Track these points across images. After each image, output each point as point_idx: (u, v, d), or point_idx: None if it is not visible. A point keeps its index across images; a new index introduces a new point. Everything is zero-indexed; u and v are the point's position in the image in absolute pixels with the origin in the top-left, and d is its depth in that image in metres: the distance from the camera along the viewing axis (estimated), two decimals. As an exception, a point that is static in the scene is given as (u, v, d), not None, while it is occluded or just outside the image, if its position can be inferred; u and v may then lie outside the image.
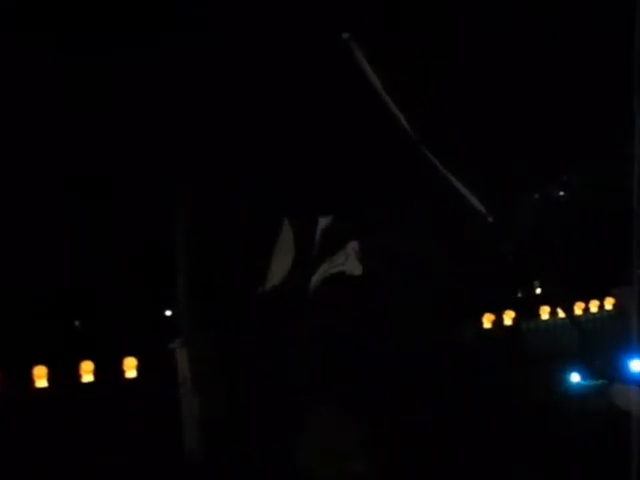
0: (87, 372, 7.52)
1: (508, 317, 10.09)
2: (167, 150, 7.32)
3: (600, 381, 7.71)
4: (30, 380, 7.30)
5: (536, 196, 8.17)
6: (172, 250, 7.80)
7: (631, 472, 4.08)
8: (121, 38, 6.38)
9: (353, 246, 4.23)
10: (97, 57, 6.36)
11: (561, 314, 10.27)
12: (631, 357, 8.16)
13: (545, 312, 10.43)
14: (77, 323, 9.67)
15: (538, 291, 11.78)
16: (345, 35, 4.14)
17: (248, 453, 6.94)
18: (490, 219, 4.20)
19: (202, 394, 7.41)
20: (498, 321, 9.98)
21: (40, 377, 7.30)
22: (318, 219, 4.27)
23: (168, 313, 9.89)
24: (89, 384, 7.50)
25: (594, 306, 10.80)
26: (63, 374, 7.44)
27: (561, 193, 9.20)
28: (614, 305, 10.72)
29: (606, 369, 6.75)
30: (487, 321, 9.86)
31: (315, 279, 4.28)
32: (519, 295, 11.86)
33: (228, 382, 7.58)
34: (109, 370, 7.61)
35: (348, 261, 4.21)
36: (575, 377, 8.47)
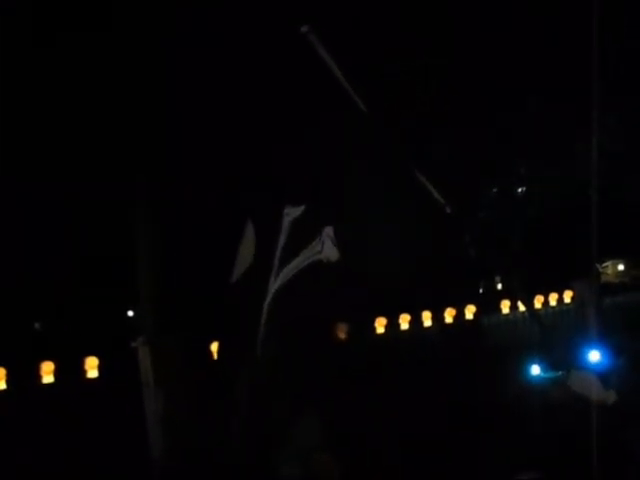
0: (47, 373, 7.43)
1: (469, 311, 10.20)
2: (127, 150, 7.27)
3: (560, 372, 7.82)
4: (-11, 382, 7.20)
5: (494, 190, 8.27)
6: (134, 250, 7.75)
7: (592, 454, 4.17)
8: (75, 31, 6.32)
9: (328, 232, 4.24)
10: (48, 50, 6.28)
11: (521, 308, 10.39)
12: (589, 348, 8.29)
13: (505, 306, 10.55)
14: (37, 325, 9.57)
15: (499, 286, 11.93)
16: (304, 28, 4.14)
17: (212, 450, 6.92)
18: (449, 210, 4.23)
19: (165, 392, 7.36)
20: (459, 315, 10.09)
21: (-1, 379, 7.21)
22: (284, 211, 4.27)
23: (130, 313, 9.82)
24: (50, 385, 7.42)
25: (553, 299, 10.96)
26: (23, 375, 7.35)
27: (520, 189, 9.31)
28: (573, 298, 10.88)
29: (565, 360, 6.85)
30: (448, 315, 9.96)
31: (291, 269, 4.27)
32: (480, 290, 12.01)
33: (191, 380, 7.55)
34: (70, 370, 7.54)
35: (324, 248, 4.22)
36: (535, 369, 8.58)
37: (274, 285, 4.25)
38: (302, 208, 4.22)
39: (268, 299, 4.24)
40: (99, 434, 7.15)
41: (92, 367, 7.64)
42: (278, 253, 4.25)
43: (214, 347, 8.11)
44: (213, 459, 6.66)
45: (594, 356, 7.88)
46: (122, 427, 7.24)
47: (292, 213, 4.25)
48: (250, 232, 4.54)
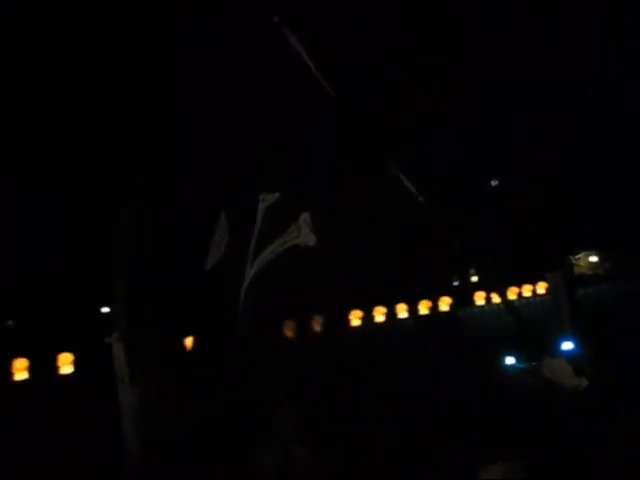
0: (21, 370, 7.38)
1: (444, 303, 10.26)
2: (101, 148, 7.24)
3: (534, 362, 7.90)
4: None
5: (468, 182, 8.31)
6: (107, 246, 7.71)
7: (564, 439, 4.22)
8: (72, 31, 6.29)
9: (305, 218, 4.24)
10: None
11: (496, 300, 10.47)
12: (563, 338, 8.39)
13: (480, 298, 10.63)
14: (9, 322, 9.48)
15: (474, 279, 11.99)
16: (275, 18, 4.14)
17: (187, 448, 6.91)
18: (421, 199, 4.25)
19: (140, 387, 7.33)
20: (434, 307, 10.15)
21: (-28, 377, 7.15)
22: (258, 198, 4.27)
23: (105, 310, 9.76)
24: (23, 382, 7.37)
25: (527, 291, 11.05)
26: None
27: (493, 182, 9.37)
28: (547, 289, 10.98)
29: (539, 350, 6.90)
30: (423, 307, 10.01)
31: (267, 254, 4.26)
32: (455, 283, 12.07)
33: (167, 376, 7.53)
34: (44, 367, 7.49)
35: (301, 233, 4.22)
36: (510, 360, 8.68)
37: (250, 272, 4.25)
38: (277, 194, 4.21)
39: (245, 286, 4.23)
40: (74, 430, 7.12)
41: (66, 363, 7.60)
42: (254, 239, 4.25)
43: (189, 341, 8.11)
44: (189, 452, 6.65)
45: (567, 346, 7.99)
46: (97, 423, 7.21)
47: (267, 199, 4.25)
48: (224, 221, 4.54)
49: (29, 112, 7.00)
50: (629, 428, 4.43)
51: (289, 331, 7.67)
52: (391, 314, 9.79)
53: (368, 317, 9.56)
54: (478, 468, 4.04)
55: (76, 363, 7.62)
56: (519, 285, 10.96)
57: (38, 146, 7.38)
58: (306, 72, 4.11)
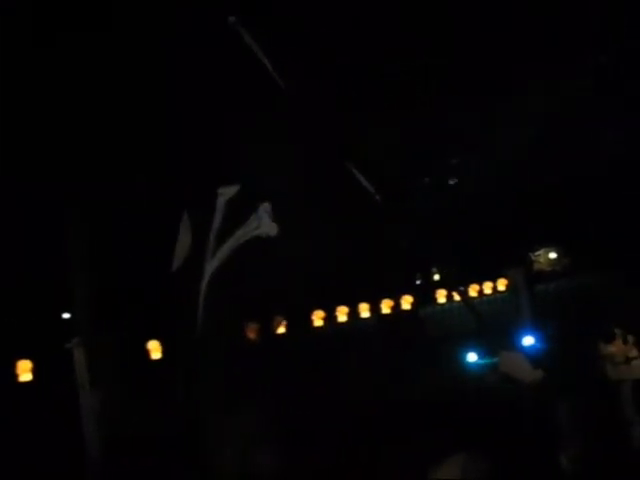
0: (-21, 378, 7.27)
1: (406, 302, 10.32)
2: (57, 147, 7.14)
3: (495, 358, 7.98)
4: None
5: (426, 180, 8.38)
6: (66, 250, 7.63)
7: (524, 435, 4.26)
8: None
9: (265, 208, 4.20)
10: None
11: (457, 297, 10.55)
12: (524, 333, 8.50)
13: (442, 296, 10.71)
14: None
15: (436, 277, 12.07)
16: (231, 19, 4.13)
17: (155, 451, 6.87)
18: (378, 198, 4.26)
19: (102, 394, 7.28)
20: (396, 306, 10.20)
21: None
22: (217, 192, 4.23)
23: (66, 316, 9.65)
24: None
25: (488, 288, 11.16)
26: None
27: (451, 182, 9.45)
28: (507, 286, 11.10)
29: (501, 346, 6.96)
30: (385, 306, 10.06)
31: (228, 247, 4.21)
32: (417, 282, 12.13)
33: (129, 381, 7.49)
34: (1, 374, 7.38)
35: (262, 224, 4.18)
36: (472, 356, 8.77)
37: (210, 268, 4.20)
38: (237, 187, 4.18)
39: (205, 280, 4.18)
40: (35, 437, 7.03)
41: (25, 370, 7.50)
42: (213, 235, 4.21)
43: (151, 345, 8.05)
44: (152, 456, 6.61)
45: (528, 341, 8.09)
46: (58, 429, 7.13)
47: (227, 193, 4.21)
48: (186, 220, 4.50)
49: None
50: (585, 418, 4.51)
51: (252, 332, 7.64)
52: (353, 314, 9.82)
53: (331, 317, 9.58)
54: (439, 462, 4.06)
55: (35, 370, 7.51)
56: (480, 282, 11.06)
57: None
58: (263, 70, 4.11)
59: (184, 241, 4.41)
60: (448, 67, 7.23)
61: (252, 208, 4.14)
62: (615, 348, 6.25)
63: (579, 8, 7.47)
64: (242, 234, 4.12)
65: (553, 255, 13.88)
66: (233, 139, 4.34)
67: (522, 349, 6.26)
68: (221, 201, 4.17)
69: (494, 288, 11.22)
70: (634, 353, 6.24)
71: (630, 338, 6.24)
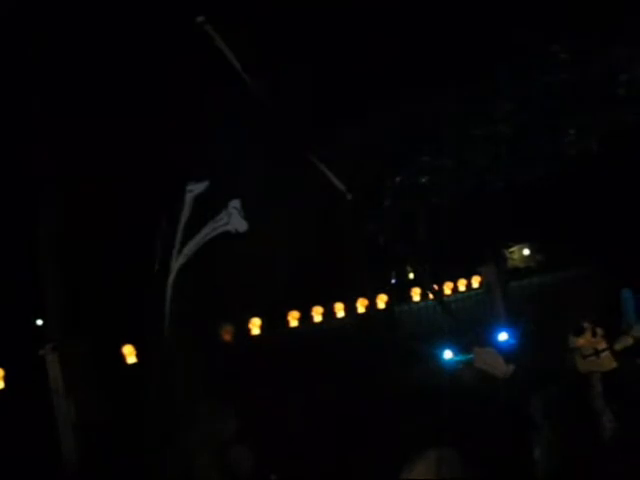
0: (-50, 386, 7.19)
1: (381, 301, 10.34)
2: (29, 151, 7.07)
3: (470, 355, 8.02)
4: None
5: (397, 179, 8.38)
6: (37, 256, 7.56)
7: (499, 427, 4.30)
8: None
9: (234, 205, 4.18)
10: None
11: (431, 295, 10.59)
12: (498, 330, 8.54)
13: (416, 294, 10.75)
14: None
15: (411, 276, 12.12)
16: (200, 19, 4.12)
17: (125, 455, 6.82)
18: (349, 197, 4.27)
19: (77, 399, 7.22)
20: (372, 305, 10.22)
21: None
22: (185, 189, 4.21)
23: (39, 322, 9.57)
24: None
25: (462, 285, 11.22)
26: None
27: (424, 178, 9.46)
28: (480, 283, 11.16)
29: (475, 343, 7.01)
30: (361, 305, 10.08)
31: (196, 243, 4.18)
32: (393, 281, 12.18)
33: (103, 385, 7.43)
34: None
35: (231, 219, 4.16)
36: (447, 354, 8.78)
37: (177, 262, 4.16)
38: (205, 183, 4.16)
39: (172, 277, 4.14)
40: (10, 444, 6.95)
41: (-2, 377, 7.43)
42: (180, 230, 4.17)
43: (125, 349, 8.01)
44: (129, 461, 6.56)
45: (502, 337, 8.12)
46: (33, 436, 7.06)
47: (195, 189, 4.18)
48: (164, 223, 4.46)
49: None
50: (557, 410, 4.56)
51: (227, 334, 7.61)
52: (329, 313, 9.82)
53: (306, 317, 9.58)
54: (412, 460, 4.08)
55: (8, 377, 7.44)
56: (454, 280, 11.12)
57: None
58: (231, 69, 4.11)
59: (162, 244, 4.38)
60: (420, 66, 7.26)
61: (221, 204, 4.12)
62: (584, 341, 6.31)
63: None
64: (210, 230, 4.10)
65: (527, 252, 14.00)
66: (203, 137, 4.32)
67: (496, 345, 6.31)
68: (189, 197, 4.14)
69: (468, 285, 11.28)
70: (603, 345, 6.31)
71: (599, 331, 6.31)
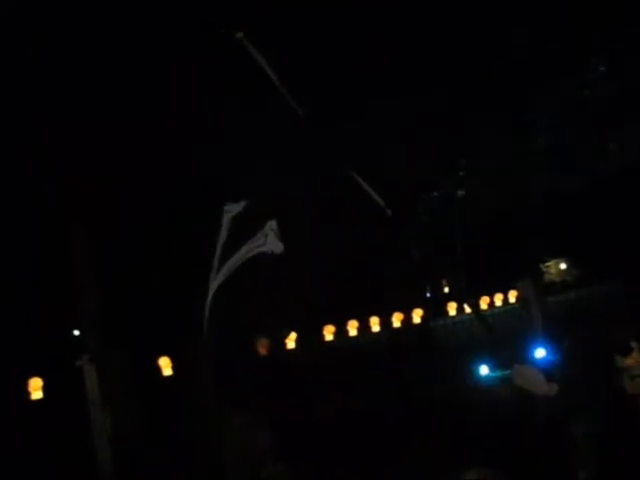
0: (-10, 396, 7.25)
1: (417, 315, 10.28)
2: (69, 161, 7.12)
3: (507, 371, 7.94)
4: None
5: (435, 194, 8.35)
6: (74, 266, 7.62)
7: (539, 447, 4.24)
8: None
9: (271, 226, 4.22)
10: None
11: (467, 310, 10.51)
12: (535, 346, 8.43)
13: (452, 308, 10.67)
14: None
15: (446, 290, 12.04)
16: (239, 35, 4.15)
17: (160, 467, 6.84)
18: (389, 212, 4.26)
19: (113, 411, 7.25)
20: (407, 319, 10.16)
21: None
22: (223, 209, 4.25)
23: (76, 333, 9.65)
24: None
25: (498, 300, 11.11)
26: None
27: (460, 192, 9.41)
28: (517, 297, 11.05)
29: (512, 359, 6.94)
30: (396, 320, 10.02)
31: (233, 263, 4.22)
32: (428, 295, 12.09)
33: (139, 398, 7.46)
34: (13, 393, 7.36)
35: (268, 241, 4.19)
36: (484, 369, 8.69)
37: (215, 282, 4.20)
38: (243, 204, 4.19)
39: (210, 297, 4.18)
40: (47, 455, 7.00)
41: (36, 388, 7.48)
42: (219, 251, 4.21)
43: (161, 361, 8.04)
44: (163, 473, 6.58)
45: (540, 353, 8.02)
46: (70, 448, 7.11)
47: (232, 209, 4.22)
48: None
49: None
50: (600, 430, 4.46)
51: (262, 348, 7.62)
52: (364, 328, 9.78)
53: (341, 331, 9.54)
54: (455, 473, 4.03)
55: (46, 387, 7.50)
56: (490, 294, 11.02)
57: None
58: (270, 86, 4.13)
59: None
60: (458, 81, 7.23)
61: (258, 225, 4.15)
62: (632, 361, 6.16)
63: (579, 19, 7.48)
64: (247, 250, 4.13)
65: (563, 266, 13.82)
66: (240, 156, 4.35)
67: (534, 362, 6.23)
68: (227, 217, 4.18)
69: (505, 300, 11.17)
70: (653, 365, 6.15)
71: None
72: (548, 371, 4.78)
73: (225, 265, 4.18)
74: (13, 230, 7.47)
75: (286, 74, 4.28)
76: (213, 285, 4.17)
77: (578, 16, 7.40)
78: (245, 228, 4.17)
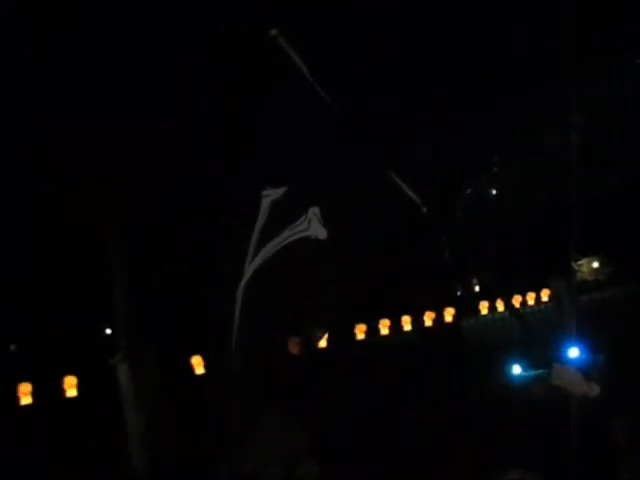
0: (25, 394, 7.32)
1: (448, 314, 10.23)
2: (101, 161, 7.14)
3: (540, 370, 7.87)
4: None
5: (468, 192, 8.30)
6: (107, 266, 7.66)
7: (577, 447, 4.17)
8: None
9: (314, 211, 4.17)
10: None
11: (500, 308, 10.44)
12: (568, 345, 8.34)
13: (484, 307, 10.61)
14: (12, 346, 9.43)
15: (477, 288, 11.98)
16: (273, 32, 4.14)
17: (193, 467, 6.85)
18: (425, 210, 4.21)
19: (146, 409, 7.28)
20: (439, 318, 10.11)
21: (-23, 403, 7.09)
22: (262, 194, 4.19)
23: (108, 331, 9.72)
24: (28, 406, 7.30)
25: (531, 298, 11.03)
26: (1, 398, 7.24)
27: (493, 191, 9.36)
28: (550, 296, 10.96)
29: (545, 358, 6.86)
30: (428, 318, 9.98)
31: (273, 246, 4.17)
32: (459, 293, 12.04)
33: (171, 396, 7.48)
34: (48, 391, 7.43)
35: (311, 226, 4.14)
36: (516, 368, 8.62)
37: (252, 266, 4.12)
38: (283, 189, 4.14)
39: (244, 280, 4.11)
40: (80, 454, 7.05)
41: (71, 386, 7.54)
42: (255, 236, 4.15)
43: (194, 360, 8.06)
44: (196, 471, 6.59)
45: (573, 352, 7.92)
46: (103, 447, 7.14)
47: (272, 194, 4.16)
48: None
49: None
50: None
51: (293, 347, 7.58)
52: (396, 327, 9.75)
53: (373, 330, 9.53)
54: (493, 474, 3.98)
55: (80, 386, 7.55)
56: (523, 293, 10.94)
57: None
58: (305, 80, 4.11)
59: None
60: (490, 76, 7.16)
61: (300, 210, 4.10)
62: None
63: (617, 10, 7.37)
64: (290, 234, 4.07)
65: (596, 264, 13.69)
66: (279, 144, 4.31)
67: (569, 361, 6.15)
68: (266, 202, 4.12)
69: (537, 299, 11.09)
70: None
71: None
72: (587, 371, 4.71)
73: (265, 248, 4.12)
74: (46, 232, 7.52)
75: (320, 73, 4.26)
76: (249, 270, 4.11)
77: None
78: (283, 215, 4.11)
